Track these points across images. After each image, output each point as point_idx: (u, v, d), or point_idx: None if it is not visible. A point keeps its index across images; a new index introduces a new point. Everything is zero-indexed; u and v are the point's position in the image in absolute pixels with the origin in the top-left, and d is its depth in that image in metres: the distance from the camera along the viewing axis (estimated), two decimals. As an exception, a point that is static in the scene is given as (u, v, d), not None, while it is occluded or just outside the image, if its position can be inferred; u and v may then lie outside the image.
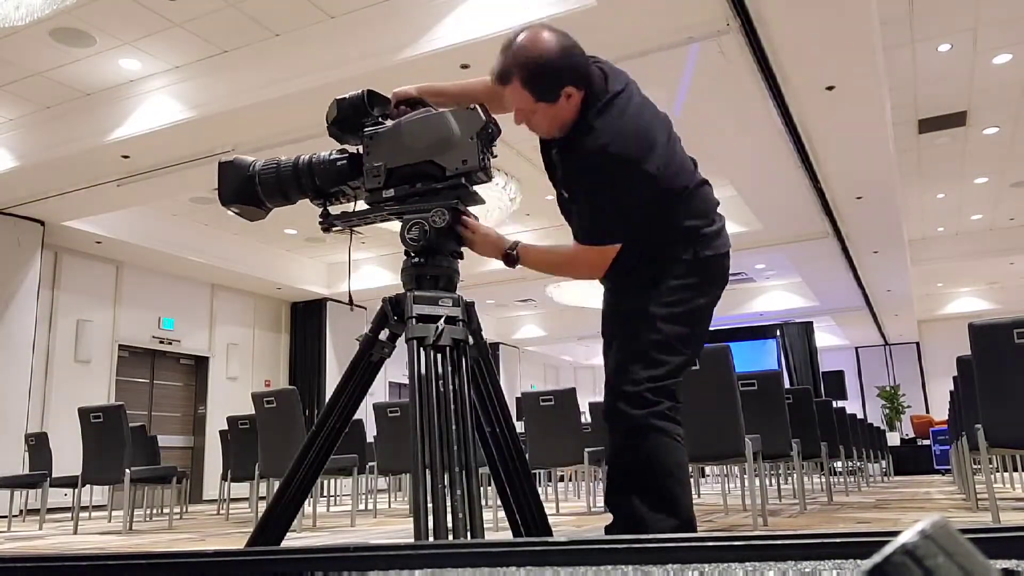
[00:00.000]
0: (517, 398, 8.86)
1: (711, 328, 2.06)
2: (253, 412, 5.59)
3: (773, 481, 7.31)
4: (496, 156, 1.69)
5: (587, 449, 5.29)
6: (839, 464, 7.72)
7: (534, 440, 5.41)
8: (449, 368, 1.49)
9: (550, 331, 16.15)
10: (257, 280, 11.30)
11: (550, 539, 0.55)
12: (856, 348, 18.28)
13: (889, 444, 12.54)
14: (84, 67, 6.46)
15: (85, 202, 8.08)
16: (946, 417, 9.09)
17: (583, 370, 20.05)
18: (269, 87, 6.12)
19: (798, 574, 0.49)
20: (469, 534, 1.36)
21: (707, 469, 10.85)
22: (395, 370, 12.17)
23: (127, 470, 5.64)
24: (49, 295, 9.12)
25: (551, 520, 1.69)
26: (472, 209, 1.70)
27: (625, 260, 1.87)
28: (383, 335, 1.62)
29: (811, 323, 15.62)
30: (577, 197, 1.86)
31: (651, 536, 0.53)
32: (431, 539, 1.32)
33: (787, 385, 6.90)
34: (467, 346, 1.56)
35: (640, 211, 1.85)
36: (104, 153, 7.00)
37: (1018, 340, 3.25)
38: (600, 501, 6.93)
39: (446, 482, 1.37)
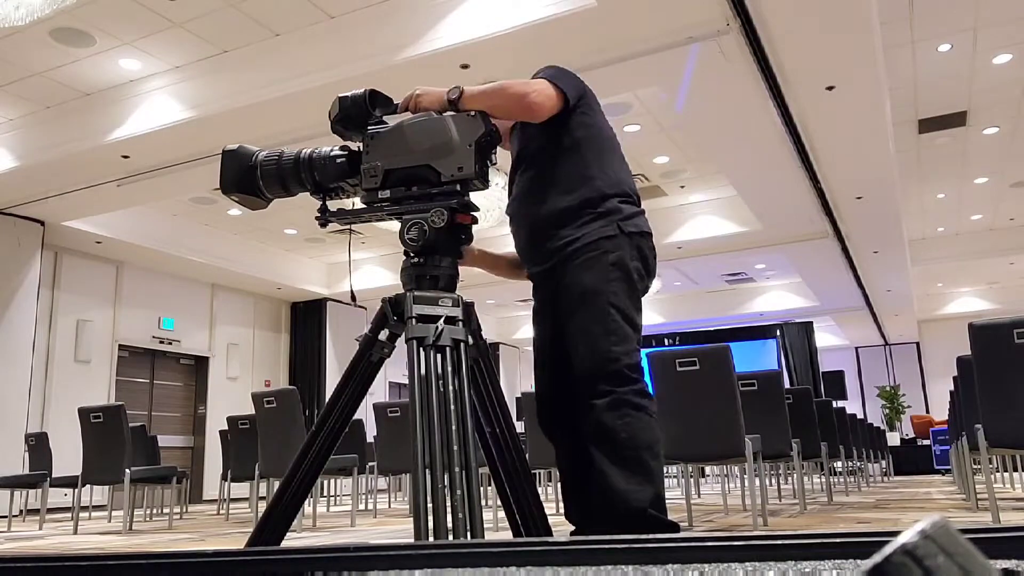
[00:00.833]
0: (517, 398, 8.85)
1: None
2: (253, 412, 5.59)
3: (773, 481, 7.31)
4: (496, 164, 1.69)
5: (587, 449, 5.27)
6: (839, 464, 7.72)
7: (534, 440, 5.41)
8: (449, 368, 1.49)
9: (550, 331, 16.13)
10: (257, 280, 11.30)
11: (550, 539, 0.55)
12: (856, 348, 18.27)
13: (889, 444, 12.54)
14: (84, 67, 6.46)
15: (85, 202, 8.08)
16: (946, 417, 9.10)
17: (583, 370, 20.02)
18: (269, 87, 6.12)
19: (798, 574, 0.49)
20: (469, 534, 1.36)
21: (707, 469, 10.85)
22: (395, 370, 12.18)
23: (127, 470, 5.64)
24: (49, 295, 9.12)
25: (551, 520, 1.68)
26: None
27: (563, 198, 1.95)
28: (383, 335, 1.62)
29: (811, 323, 15.62)
30: None
31: (651, 536, 0.53)
32: (431, 539, 1.32)
33: (787, 385, 6.92)
34: (467, 346, 1.56)
35: (578, 91, 2.00)
36: (104, 153, 7.00)
37: (1018, 340, 3.25)
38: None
39: (446, 482, 1.37)
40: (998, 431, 3.33)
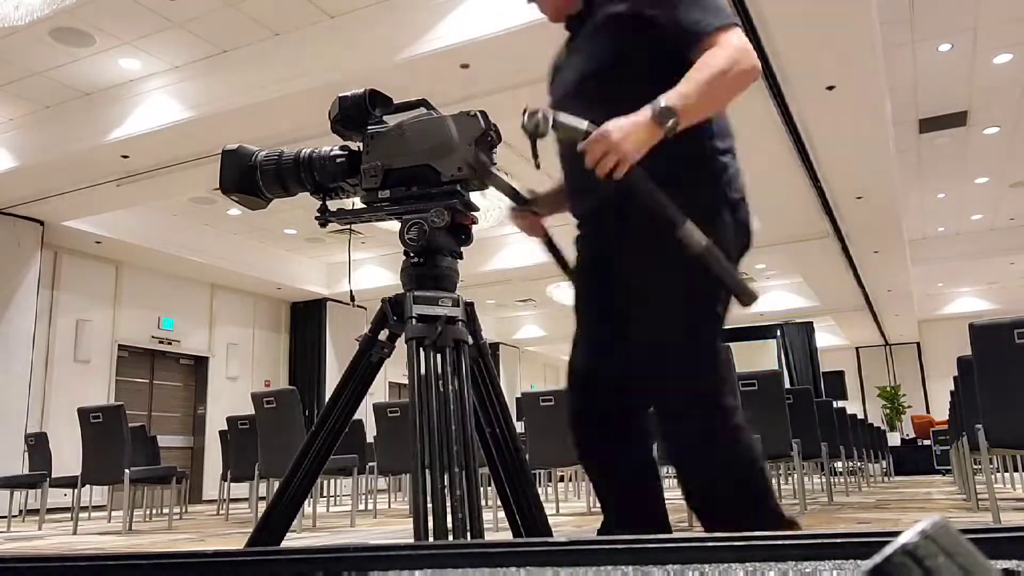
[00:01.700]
0: (517, 398, 8.85)
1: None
2: (253, 412, 5.59)
3: (773, 481, 7.31)
4: (496, 164, 1.69)
5: (587, 449, 5.27)
6: (839, 464, 7.72)
7: (534, 440, 5.41)
8: (449, 368, 1.49)
9: (550, 331, 16.14)
10: (257, 280, 11.30)
11: (550, 539, 0.55)
12: (856, 348, 18.28)
13: (889, 444, 12.54)
14: (84, 67, 6.46)
15: (85, 202, 8.08)
16: (946, 417, 9.09)
17: (583, 370, 20.02)
18: (269, 87, 6.12)
19: (798, 574, 0.49)
20: (469, 534, 1.36)
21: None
22: (395, 370, 12.17)
23: (127, 470, 5.64)
24: (49, 295, 9.12)
25: (551, 520, 1.69)
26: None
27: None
28: (383, 335, 1.62)
29: (811, 323, 15.62)
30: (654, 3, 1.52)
31: (651, 536, 0.53)
32: (431, 539, 1.32)
33: (787, 385, 6.91)
34: (467, 346, 1.56)
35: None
36: (104, 153, 7.01)
37: (1018, 340, 3.25)
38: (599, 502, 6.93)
39: (446, 482, 1.37)
40: (998, 431, 3.33)
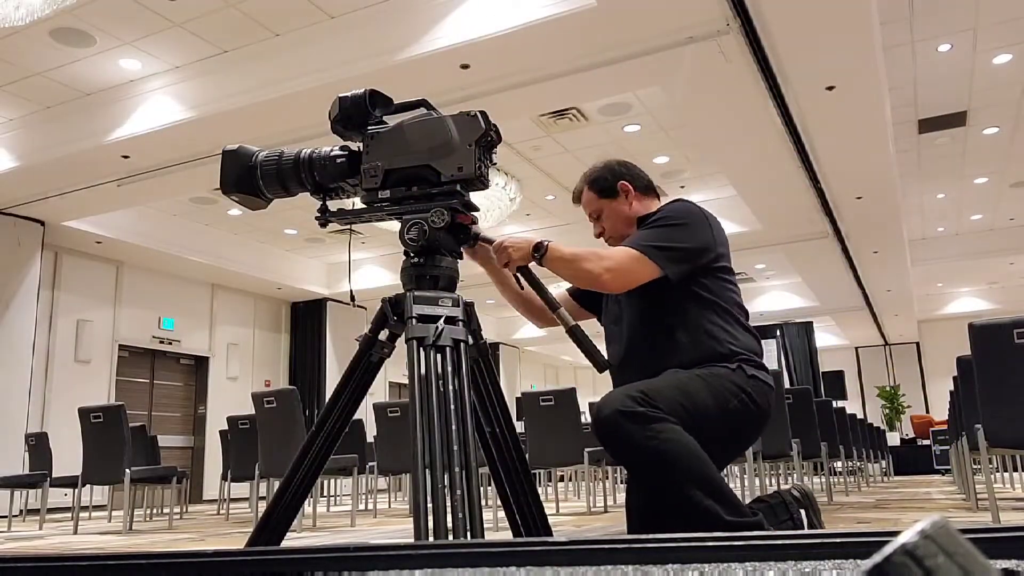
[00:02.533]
0: (517, 398, 8.85)
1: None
2: (253, 412, 5.59)
3: (773, 481, 7.31)
4: (496, 164, 1.69)
5: (587, 449, 5.28)
6: (839, 464, 7.72)
7: (534, 440, 5.41)
8: (449, 368, 1.49)
9: (550, 331, 16.11)
10: (257, 280, 11.30)
11: (550, 539, 0.55)
12: (856, 348, 18.28)
13: (889, 444, 12.54)
14: (84, 67, 6.46)
15: (85, 202, 8.08)
16: (946, 417, 9.09)
17: (583, 370, 20.05)
18: (269, 87, 6.12)
19: (798, 574, 0.49)
20: (469, 534, 1.36)
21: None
22: (395, 370, 12.18)
23: (127, 470, 5.64)
24: (49, 295, 9.12)
25: (551, 520, 1.69)
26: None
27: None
28: (383, 335, 1.62)
29: (811, 323, 15.62)
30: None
31: (651, 536, 0.53)
32: (431, 539, 1.32)
33: (787, 385, 6.92)
34: (467, 346, 1.56)
35: (695, 254, 1.93)
36: (104, 153, 7.00)
37: (1018, 340, 3.25)
38: (599, 501, 6.93)
39: (446, 482, 1.37)
40: (998, 431, 3.33)
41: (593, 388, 17.89)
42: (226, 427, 6.94)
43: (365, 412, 6.04)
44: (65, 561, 0.62)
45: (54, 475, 6.66)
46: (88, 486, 6.33)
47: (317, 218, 1.71)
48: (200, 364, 11.12)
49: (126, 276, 10.10)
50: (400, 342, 1.61)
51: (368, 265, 11.64)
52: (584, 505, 6.46)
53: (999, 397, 3.30)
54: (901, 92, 7.28)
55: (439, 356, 1.50)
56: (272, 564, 0.61)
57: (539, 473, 7.47)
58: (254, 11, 5.81)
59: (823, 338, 16.58)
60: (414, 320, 1.52)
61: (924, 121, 8.02)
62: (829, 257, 10.93)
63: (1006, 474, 8.00)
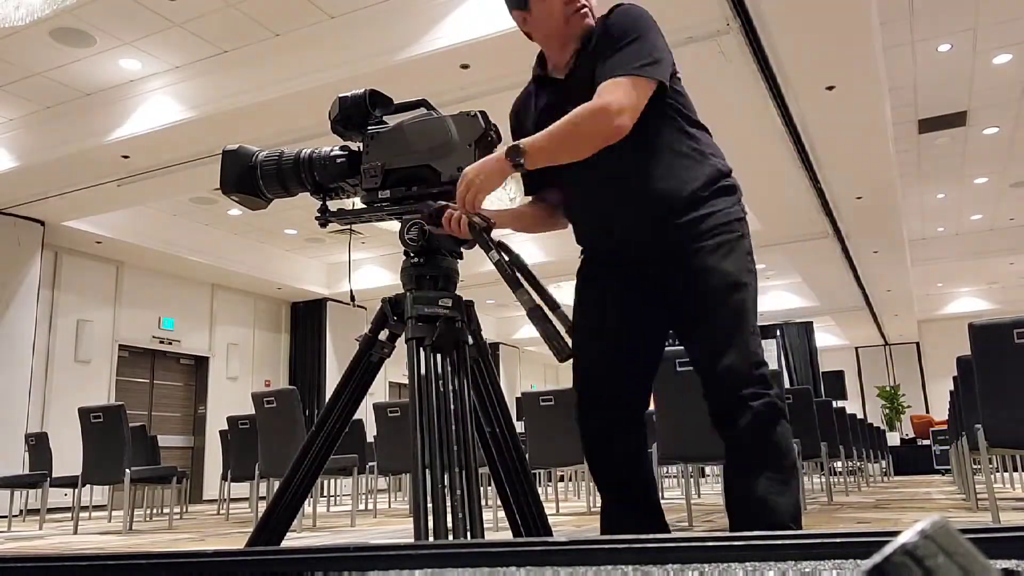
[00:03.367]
0: (517, 398, 8.85)
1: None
2: (253, 412, 5.59)
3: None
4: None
5: (587, 449, 5.27)
6: (839, 464, 7.72)
7: (534, 440, 5.41)
8: (449, 368, 1.49)
9: (550, 331, 16.12)
10: (257, 280, 11.30)
11: (550, 539, 0.55)
12: (856, 348, 18.28)
13: (889, 444, 12.54)
14: (84, 67, 6.46)
15: (85, 202, 8.08)
16: (946, 417, 9.09)
17: (583, 370, 20.01)
18: (269, 87, 6.12)
19: (798, 574, 0.49)
20: (469, 534, 1.36)
21: (707, 469, 10.84)
22: (395, 370, 12.18)
23: (127, 470, 5.64)
24: (49, 295, 9.12)
25: (551, 520, 1.69)
26: None
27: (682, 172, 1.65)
28: (383, 335, 1.62)
29: (811, 323, 15.63)
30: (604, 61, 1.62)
31: (651, 536, 0.53)
32: (431, 539, 1.32)
33: (787, 385, 6.92)
34: (467, 346, 1.56)
35: (670, 60, 1.65)
36: (104, 153, 7.01)
37: (1018, 340, 3.25)
38: (599, 501, 6.93)
39: (446, 482, 1.37)
40: (998, 431, 3.33)
41: (593, 388, 17.88)
42: (226, 427, 6.95)
43: (365, 412, 6.04)
44: (65, 561, 0.62)
45: (54, 475, 6.66)
46: (88, 486, 6.33)
47: (317, 218, 1.71)
48: (200, 364, 11.13)
49: (126, 276, 10.10)
50: (400, 342, 1.61)
51: (368, 265, 11.64)
52: (584, 505, 6.46)
53: (999, 397, 3.30)
54: (901, 92, 7.28)
55: (439, 356, 1.50)
56: (272, 564, 0.61)
57: (539, 473, 7.47)
58: (254, 11, 5.81)
59: (823, 338, 16.58)
60: (414, 320, 1.52)
61: (924, 121, 8.02)
62: (829, 257, 10.94)
63: (1006, 474, 8.00)
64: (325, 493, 8.75)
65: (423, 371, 1.48)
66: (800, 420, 5.35)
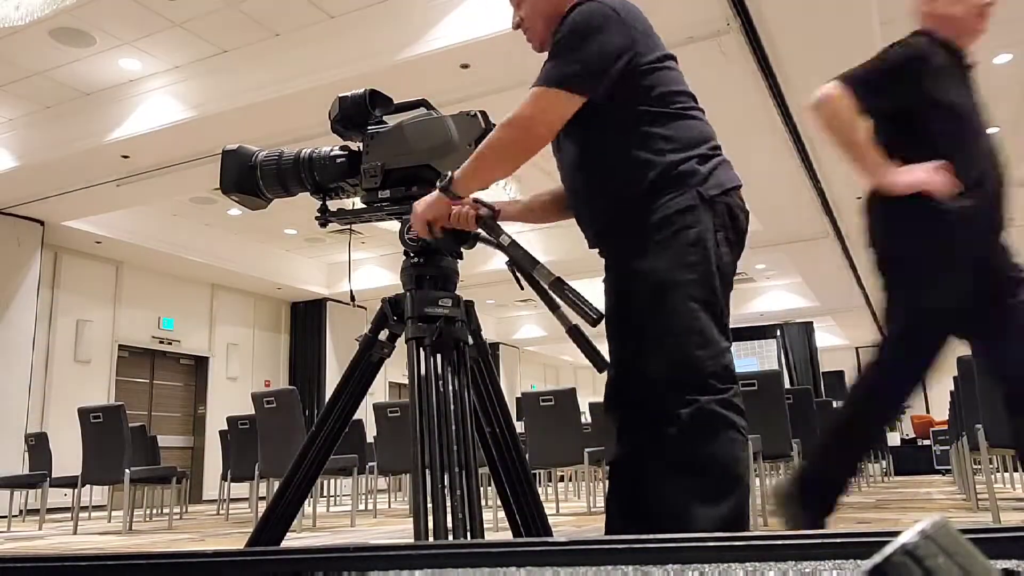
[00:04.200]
0: (517, 398, 8.86)
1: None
2: (253, 412, 5.59)
3: (773, 481, 7.31)
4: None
5: (587, 449, 5.28)
6: (839, 464, 7.69)
7: (534, 440, 5.41)
8: (449, 369, 1.49)
9: (550, 331, 16.14)
10: (257, 280, 11.30)
11: (550, 539, 0.55)
12: (856, 348, 18.27)
13: (889, 444, 12.53)
14: (84, 67, 6.46)
15: (85, 202, 8.08)
16: (946, 417, 9.09)
17: (583, 370, 20.05)
18: (269, 87, 6.12)
19: (798, 574, 0.49)
20: (469, 534, 1.36)
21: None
22: (395, 370, 12.18)
23: (127, 470, 5.64)
24: (49, 295, 9.12)
25: (551, 520, 1.68)
26: None
27: (619, 180, 1.58)
28: (383, 335, 1.62)
29: (811, 323, 15.62)
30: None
31: (651, 536, 0.53)
32: (431, 539, 1.32)
33: (787, 385, 6.91)
34: (467, 346, 1.56)
35: (616, 60, 1.56)
36: (104, 153, 7.01)
37: (1018, 340, 3.24)
38: (599, 501, 6.93)
39: (446, 482, 1.37)
40: (998, 431, 3.33)
41: (593, 388, 17.90)
42: (226, 427, 6.95)
43: (365, 412, 6.05)
44: (65, 561, 0.62)
45: (54, 475, 6.66)
46: (88, 486, 6.33)
47: (317, 218, 1.71)
48: (200, 364, 11.13)
49: (126, 276, 10.10)
50: (400, 342, 1.61)
51: (368, 265, 11.63)
52: (584, 505, 6.46)
53: (999, 397, 3.30)
54: (901, 92, 7.28)
55: (439, 356, 1.50)
56: (272, 564, 0.61)
57: (539, 473, 7.47)
58: (254, 11, 5.81)
59: (823, 338, 16.58)
60: (414, 320, 1.52)
61: (924, 121, 8.01)
62: (829, 257, 10.94)
63: (1006, 474, 8.00)
64: (325, 493, 8.75)
65: (423, 371, 1.48)
66: (800, 420, 5.35)
